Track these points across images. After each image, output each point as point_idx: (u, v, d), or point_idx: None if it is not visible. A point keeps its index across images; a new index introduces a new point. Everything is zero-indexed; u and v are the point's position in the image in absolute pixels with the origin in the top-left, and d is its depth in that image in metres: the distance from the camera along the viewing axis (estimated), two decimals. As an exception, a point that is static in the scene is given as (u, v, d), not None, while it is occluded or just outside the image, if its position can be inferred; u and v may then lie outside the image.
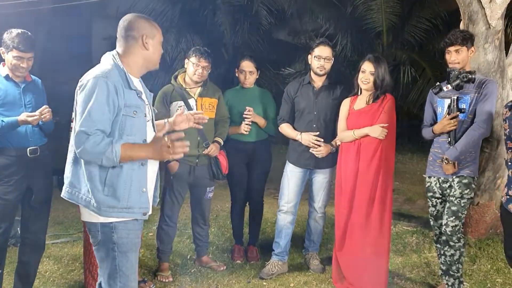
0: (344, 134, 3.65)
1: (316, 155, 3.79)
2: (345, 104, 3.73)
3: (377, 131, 3.48)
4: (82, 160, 2.22)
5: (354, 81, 3.70)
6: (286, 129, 3.95)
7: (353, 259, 3.62)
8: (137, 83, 2.38)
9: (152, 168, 2.41)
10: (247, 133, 4.06)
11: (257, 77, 4.21)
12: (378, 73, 3.52)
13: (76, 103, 2.24)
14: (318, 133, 3.79)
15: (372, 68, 3.53)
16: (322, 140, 3.78)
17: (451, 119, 3.27)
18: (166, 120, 2.70)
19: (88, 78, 2.22)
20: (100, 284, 2.37)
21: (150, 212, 2.45)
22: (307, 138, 3.79)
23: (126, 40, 2.32)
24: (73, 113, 2.33)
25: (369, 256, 3.56)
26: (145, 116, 2.35)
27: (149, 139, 2.35)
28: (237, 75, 4.19)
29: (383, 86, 3.54)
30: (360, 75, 3.59)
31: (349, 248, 3.66)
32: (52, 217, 5.15)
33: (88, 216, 2.29)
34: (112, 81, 2.20)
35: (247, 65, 4.11)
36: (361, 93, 3.66)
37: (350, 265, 3.65)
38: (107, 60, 2.32)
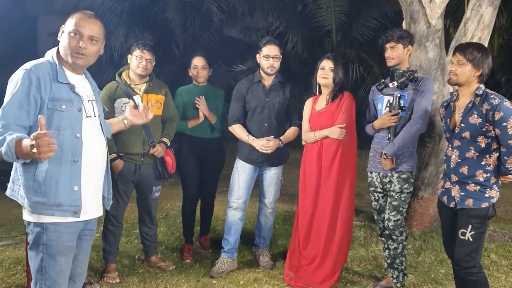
0: (307, 135, 3.74)
1: (265, 151, 3.79)
2: (307, 104, 3.81)
3: (336, 132, 3.56)
4: None
5: (313, 81, 3.77)
6: (237, 131, 3.92)
7: (317, 255, 3.68)
8: (73, 77, 2.32)
9: (93, 166, 2.34)
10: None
11: (210, 74, 4.24)
12: (337, 70, 3.60)
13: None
14: (271, 137, 3.80)
15: (331, 65, 3.61)
16: (273, 136, 3.80)
17: (392, 116, 3.36)
18: (123, 116, 2.78)
19: (16, 72, 2.20)
20: None
21: (97, 215, 2.41)
22: (259, 143, 3.79)
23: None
24: None
25: (333, 250, 3.65)
26: (80, 111, 2.29)
27: (88, 135, 2.31)
28: (190, 73, 4.22)
29: (341, 83, 3.62)
30: (319, 72, 3.65)
31: (314, 245, 3.71)
32: (-9, 220, 4.96)
33: (25, 214, 2.26)
34: (37, 73, 2.17)
35: (199, 61, 4.15)
36: (321, 92, 3.72)
37: (313, 261, 3.70)
38: (46, 55, 2.31)
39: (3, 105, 2.14)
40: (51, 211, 2.19)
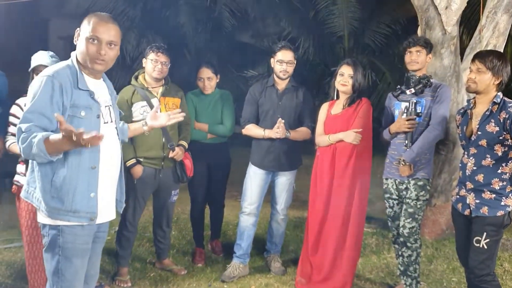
0: (320, 138, 3.69)
1: (274, 136, 3.75)
2: (323, 108, 3.78)
3: (351, 136, 3.52)
4: None
5: (331, 86, 3.75)
6: (252, 129, 3.91)
7: (327, 262, 3.65)
8: (93, 83, 2.32)
9: (109, 172, 2.35)
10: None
11: (218, 81, 4.20)
12: (357, 76, 3.57)
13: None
14: (281, 120, 3.74)
15: (351, 71, 3.57)
16: (284, 121, 3.75)
17: (407, 120, 3.34)
18: (144, 122, 2.69)
19: (38, 77, 2.19)
20: None
21: (110, 218, 2.42)
22: (272, 131, 3.75)
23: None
24: None
25: (343, 258, 3.62)
26: (99, 117, 2.29)
27: (105, 142, 2.25)
28: (197, 84, 4.18)
29: (359, 90, 3.59)
30: (338, 78, 3.62)
31: (324, 251, 3.68)
32: (4, 220, 5.00)
33: (40, 216, 2.26)
34: (59, 80, 2.16)
35: (205, 72, 4.10)
36: (338, 97, 3.70)
37: (323, 269, 3.67)
38: (68, 60, 2.30)
39: (25, 110, 2.13)
40: (67, 217, 2.20)
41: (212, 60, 4.29)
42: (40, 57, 3.16)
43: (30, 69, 3.16)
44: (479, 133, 2.82)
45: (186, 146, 3.85)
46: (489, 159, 2.80)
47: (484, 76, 2.80)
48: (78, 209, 2.21)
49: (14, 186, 3.20)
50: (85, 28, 2.24)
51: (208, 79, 4.10)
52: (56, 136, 2.03)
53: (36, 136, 2.04)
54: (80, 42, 2.26)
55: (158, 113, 2.74)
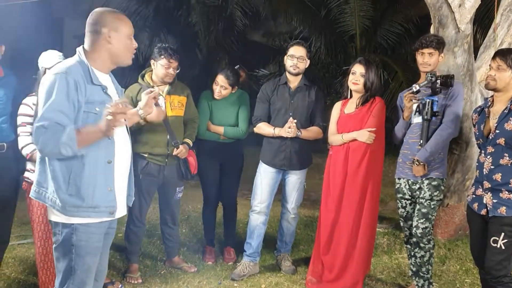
0: (333, 137, 3.69)
1: (285, 135, 3.76)
2: (336, 107, 3.78)
3: (364, 135, 3.51)
4: (47, 159, 2.18)
5: (344, 84, 3.75)
6: (263, 127, 3.91)
7: (338, 262, 3.64)
8: (104, 78, 2.33)
9: (122, 167, 2.36)
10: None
11: (233, 92, 4.13)
12: (369, 75, 3.56)
13: (38, 102, 2.21)
14: (292, 120, 3.75)
15: (363, 70, 3.56)
16: (296, 121, 3.76)
17: (410, 93, 3.34)
18: (138, 107, 2.65)
19: (49, 75, 2.18)
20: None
21: (124, 213, 2.43)
22: (285, 129, 3.75)
23: (90, 35, 2.29)
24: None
25: (354, 258, 3.60)
26: None
27: (118, 135, 2.29)
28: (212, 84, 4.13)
29: (372, 89, 3.57)
30: (350, 77, 3.62)
31: (335, 251, 3.66)
32: (18, 217, 5.03)
33: (52, 215, 2.26)
34: (72, 76, 2.15)
35: (220, 80, 4.05)
36: (351, 96, 3.69)
37: (334, 268, 3.66)
38: (74, 56, 2.30)
39: (43, 109, 2.11)
40: (87, 213, 2.21)
41: (235, 72, 4.16)
42: (57, 55, 3.19)
43: (49, 67, 3.13)
44: (497, 131, 2.79)
45: (191, 144, 3.86)
46: (507, 158, 2.76)
47: (505, 73, 2.78)
48: (98, 204, 2.22)
49: (24, 183, 3.23)
50: (122, 27, 2.29)
51: (222, 87, 4.05)
52: (91, 125, 2.12)
53: (64, 129, 2.06)
54: (118, 40, 2.28)
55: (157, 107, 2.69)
